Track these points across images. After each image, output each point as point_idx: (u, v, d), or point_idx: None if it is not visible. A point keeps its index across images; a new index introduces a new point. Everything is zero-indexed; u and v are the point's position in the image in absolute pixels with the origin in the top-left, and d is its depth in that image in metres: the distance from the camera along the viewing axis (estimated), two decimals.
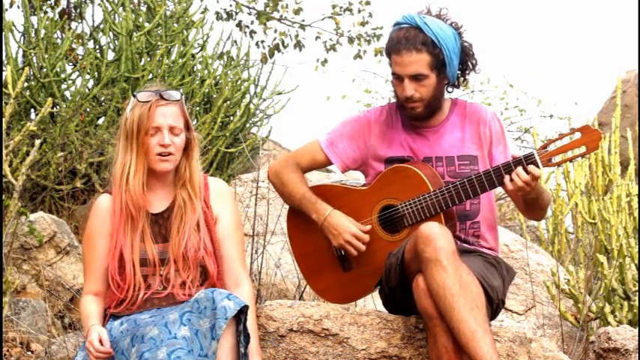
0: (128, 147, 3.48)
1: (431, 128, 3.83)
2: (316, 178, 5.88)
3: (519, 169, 3.56)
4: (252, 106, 7.46)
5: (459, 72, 3.81)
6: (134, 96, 3.51)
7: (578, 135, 3.55)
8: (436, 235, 3.44)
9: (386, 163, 3.84)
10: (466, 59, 3.80)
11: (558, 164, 3.60)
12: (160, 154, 3.47)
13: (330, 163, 3.95)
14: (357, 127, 3.91)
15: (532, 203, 3.71)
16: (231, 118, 7.26)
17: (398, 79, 3.74)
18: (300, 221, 3.94)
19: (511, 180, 3.58)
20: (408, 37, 3.69)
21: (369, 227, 3.80)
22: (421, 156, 3.81)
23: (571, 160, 3.58)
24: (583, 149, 3.56)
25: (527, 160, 3.57)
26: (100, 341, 3.32)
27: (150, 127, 3.47)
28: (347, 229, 3.79)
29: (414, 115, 3.78)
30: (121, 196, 3.48)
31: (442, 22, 3.73)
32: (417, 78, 3.71)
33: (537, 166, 3.56)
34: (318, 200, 3.85)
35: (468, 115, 3.84)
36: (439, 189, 3.69)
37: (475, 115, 3.84)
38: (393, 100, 3.92)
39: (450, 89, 3.84)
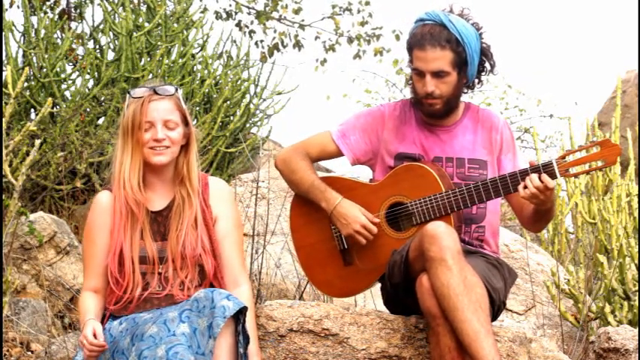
0: (125, 144, 3.49)
1: (444, 127, 3.83)
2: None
3: (534, 175, 3.56)
4: (252, 106, 7.46)
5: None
6: (129, 93, 3.52)
7: (597, 148, 3.57)
8: (442, 235, 3.44)
9: (396, 159, 3.84)
10: (484, 60, 3.81)
11: (575, 175, 3.62)
12: (152, 148, 3.47)
13: (340, 155, 3.93)
14: (370, 120, 3.91)
15: (543, 214, 3.70)
16: (231, 118, 7.26)
17: (419, 74, 3.74)
18: (304, 211, 3.93)
19: (525, 187, 3.57)
20: (432, 34, 3.69)
21: (378, 220, 3.80)
22: (432, 155, 3.81)
23: (588, 172, 3.61)
24: (601, 162, 3.57)
25: (545, 168, 3.58)
26: (95, 335, 3.32)
27: (143, 121, 3.47)
28: (356, 218, 3.78)
29: (431, 112, 3.78)
30: (120, 194, 3.48)
31: (465, 21, 3.74)
32: (438, 75, 3.71)
33: (555, 176, 3.57)
34: (328, 189, 3.84)
35: (480, 120, 3.85)
36: (452, 190, 3.69)
37: (488, 120, 3.85)
38: (400, 98, 3.92)
39: (465, 90, 3.84)
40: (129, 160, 3.48)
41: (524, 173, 3.60)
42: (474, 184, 3.67)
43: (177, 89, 3.55)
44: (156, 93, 3.50)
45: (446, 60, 3.70)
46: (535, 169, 3.59)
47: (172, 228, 3.50)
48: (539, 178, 3.56)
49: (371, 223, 3.77)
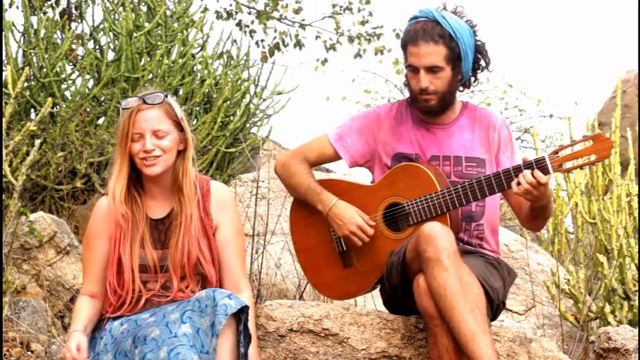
0: (116, 154, 3.50)
1: (441, 126, 3.84)
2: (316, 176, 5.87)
3: (526, 172, 3.57)
4: (252, 106, 7.46)
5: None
6: (119, 103, 3.53)
7: (589, 142, 3.57)
8: (438, 235, 3.44)
9: (393, 159, 3.84)
10: (479, 57, 3.81)
11: (568, 170, 3.62)
12: (143, 159, 3.47)
13: (339, 158, 3.94)
14: (366, 121, 3.92)
15: (539, 211, 3.69)
16: (231, 118, 7.26)
17: (413, 70, 3.75)
18: (303, 214, 3.94)
19: (518, 183, 3.58)
20: (425, 29, 3.71)
21: (373, 223, 3.80)
22: (429, 153, 3.81)
23: (581, 167, 3.61)
24: (594, 157, 3.57)
25: (538, 164, 3.58)
26: (79, 350, 3.32)
27: (131, 133, 3.47)
28: (352, 219, 3.78)
29: (427, 108, 3.78)
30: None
31: (458, 17, 3.76)
32: (432, 70, 3.72)
33: (548, 171, 3.57)
34: (324, 191, 3.85)
35: (478, 119, 3.86)
36: (447, 189, 3.69)
37: (485, 119, 3.86)
38: (399, 98, 3.93)
39: (460, 88, 3.85)
40: (116, 172, 3.49)
41: (517, 170, 3.61)
42: (468, 182, 3.68)
43: (167, 96, 3.53)
44: (145, 102, 3.49)
45: (439, 55, 3.71)
46: (528, 165, 3.59)
47: (173, 239, 3.49)
48: (532, 173, 3.56)
49: (367, 224, 3.77)
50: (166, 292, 3.47)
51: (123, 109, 3.50)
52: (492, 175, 3.66)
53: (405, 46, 3.78)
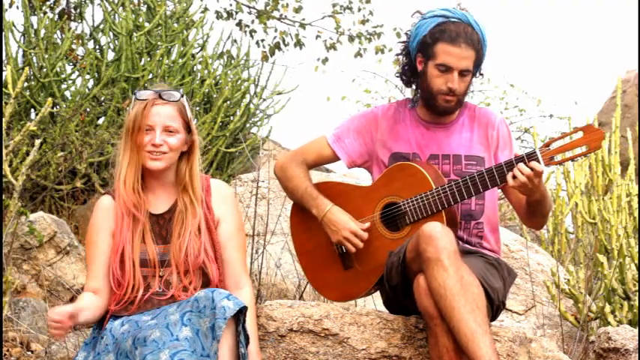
0: (125, 145, 3.50)
1: (441, 125, 3.84)
2: (315, 178, 5.87)
3: (521, 164, 3.56)
4: (252, 106, 7.47)
5: None
6: (134, 94, 3.53)
7: (580, 134, 3.56)
8: (438, 235, 3.44)
9: (391, 159, 3.84)
10: None
11: (560, 162, 3.60)
12: (150, 152, 3.48)
13: (337, 159, 3.95)
14: (364, 121, 3.92)
15: (535, 206, 3.69)
16: (231, 118, 7.26)
17: (445, 70, 3.74)
18: (303, 217, 3.95)
19: (514, 177, 3.57)
20: (466, 32, 3.71)
21: (367, 225, 3.80)
22: (428, 152, 3.82)
23: (573, 159, 3.59)
24: (585, 148, 3.56)
25: (530, 157, 3.58)
26: (71, 316, 3.30)
27: (144, 124, 3.47)
28: (346, 225, 3.79)
29: (445, 108, 3.78)
30: (120, 195, 3.49)
31: None
32: (462, 73, 3.73)
33: (539, 164, 3.56)
34: (320, 195, 3.85)
35: (477, 118, 3.86)
36: (441, 187, 3.69)
37: (484, 118, 3.86)
38: (399, 98, 3.92)
39: None
40: (126, 163, 3.48)
41: (509, 164, 3.61)
42: (462, 179, 3.68)
43: (183, 96, 3.55)
44: (160, 97, 3.50)
45: (472, 59, 3.73)
46: (519, 159, 3.59)
47: (175, 234, 3.50)
48: (528, 165, 3.56)
49: (361, 230, 3.78)
50: (167, 290, 3.47)
51: (137, 99, 3.51)
52: (485, 170, 3.66)
53: (435, 43, 3.73)
